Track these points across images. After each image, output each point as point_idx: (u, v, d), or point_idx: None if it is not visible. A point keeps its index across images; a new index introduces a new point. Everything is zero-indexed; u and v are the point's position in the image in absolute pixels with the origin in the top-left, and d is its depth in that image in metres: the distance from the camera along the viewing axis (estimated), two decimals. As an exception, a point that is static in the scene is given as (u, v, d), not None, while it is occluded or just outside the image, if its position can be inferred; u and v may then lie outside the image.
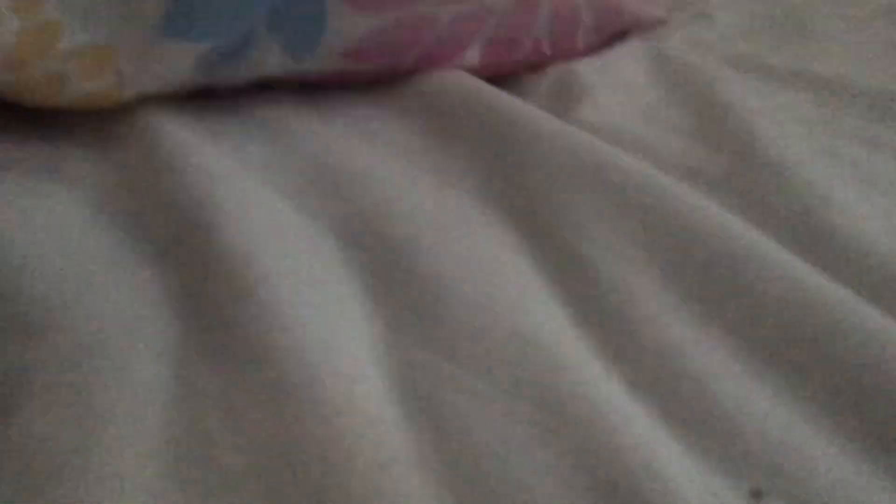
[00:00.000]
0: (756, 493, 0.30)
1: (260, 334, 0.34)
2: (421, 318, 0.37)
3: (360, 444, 0.30)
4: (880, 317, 0.35)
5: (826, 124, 0.56)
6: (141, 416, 0.31)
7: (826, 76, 0.61)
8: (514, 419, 0.32)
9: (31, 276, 0.37)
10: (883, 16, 0.72)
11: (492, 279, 0.39)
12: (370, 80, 0.57)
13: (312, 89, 0.56)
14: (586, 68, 0.60)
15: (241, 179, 0.45)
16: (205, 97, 0.53)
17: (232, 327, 0.35)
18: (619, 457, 0.30)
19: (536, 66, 0.61)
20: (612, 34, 0.66)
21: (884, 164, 0.51)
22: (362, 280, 0.40)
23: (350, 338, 0.36)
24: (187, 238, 0.40)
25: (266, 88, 0.55)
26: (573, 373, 0.34)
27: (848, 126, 0.55)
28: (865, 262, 0.40)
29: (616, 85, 0.59)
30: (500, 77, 0.58)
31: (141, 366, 0.33)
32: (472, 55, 0.58)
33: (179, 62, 0.50)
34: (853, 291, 0.37)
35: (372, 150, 0.50)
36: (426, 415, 0.33)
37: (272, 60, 0.53)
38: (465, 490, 0.30)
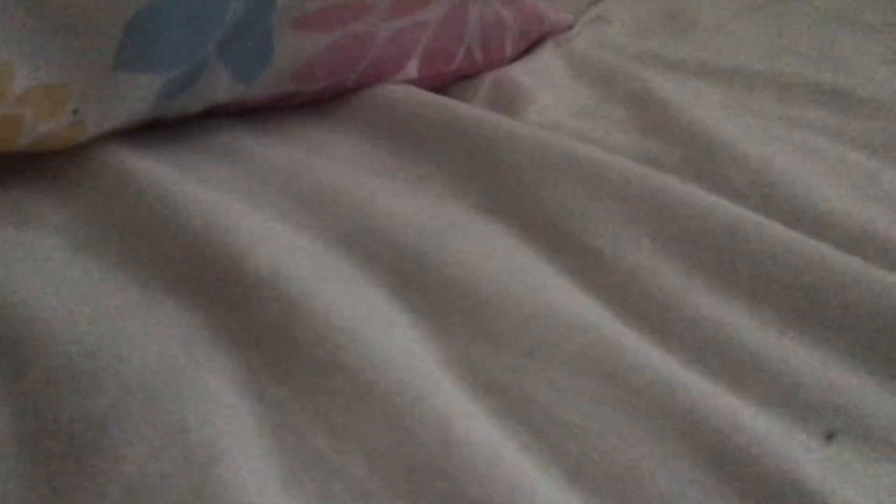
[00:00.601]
0: (830, 435, 0.33)
1: (330, 353, 0.34)
2: (462, 318, 0.38)
3: (468, 447, 0.31)
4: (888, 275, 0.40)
5: (742, 108, 0.61)
6: (248, 441, 0.31)
7: (725, 65, 0.67)
8: (593, 399, 0.34)
9: (60, 327, 0.35)
10: (758, 9, 0.78)
11: (514, 274, 0.41)
12: (315, 99, 0.57)
13: (258, 112, 0.55)
14: (516, 73, 0.63)
15: (230, 204, 0.44)
16: (151, 128, 0.52)
17: (297, 349, 0.35)
18: (707, 420, 0.32)
19: (470, 74, 0.63)
20: (532, 40, 0.68)
21: (808, 139, 0.56)
22: (390, 290, 0.40)
23: (409, 345, 0.36)
24: (213, 270, 0.39)
25: (211, 114, 0.54)
26: (626, 350, 0.36)
27: (762, 109, 0.61)
28: (838, 225, 0.45)
29: (548, 86, 0.62)
30: (438, 87, 0.60)
31: (222, 396, 0.32)
32: (411, 68, 0.59)
33: (137, 96, 0.48)
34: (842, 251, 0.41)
35: (340, 166, 0.51)
36: (513, 407, 0.34)
37: (222, 87, 0.52)
38: (577, 471, 0.31)
